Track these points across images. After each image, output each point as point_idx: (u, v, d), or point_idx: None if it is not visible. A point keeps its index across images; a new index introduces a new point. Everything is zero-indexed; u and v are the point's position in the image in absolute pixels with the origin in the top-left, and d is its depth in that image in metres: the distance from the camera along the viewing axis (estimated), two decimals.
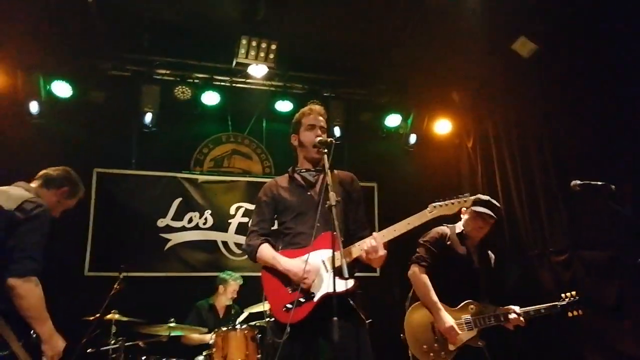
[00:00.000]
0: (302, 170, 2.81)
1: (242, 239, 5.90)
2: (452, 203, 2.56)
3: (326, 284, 2.47)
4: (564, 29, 4.59)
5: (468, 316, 3.25)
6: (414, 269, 3.37)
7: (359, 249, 2.52)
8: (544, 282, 4.79)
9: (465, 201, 2.59)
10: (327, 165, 2.52)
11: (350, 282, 2.36)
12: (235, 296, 5.12)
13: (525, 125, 5.33)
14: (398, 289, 5.57)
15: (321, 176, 2.72)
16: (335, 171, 2.76)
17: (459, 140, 6.56)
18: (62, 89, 5.38)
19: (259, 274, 2.71)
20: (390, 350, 4.94)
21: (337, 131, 6.10)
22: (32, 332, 2.34)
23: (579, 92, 4.54)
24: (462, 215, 3.50)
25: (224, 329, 4.23)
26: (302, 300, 2.48)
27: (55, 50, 5.24)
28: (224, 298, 5.11)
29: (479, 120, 6.19)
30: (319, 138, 2.69)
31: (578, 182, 2.91)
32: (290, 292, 2.53)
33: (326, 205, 2.36)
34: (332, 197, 2.35)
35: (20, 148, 5.05)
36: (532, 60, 4.95)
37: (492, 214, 3.33)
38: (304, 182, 2.77)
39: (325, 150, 2.58)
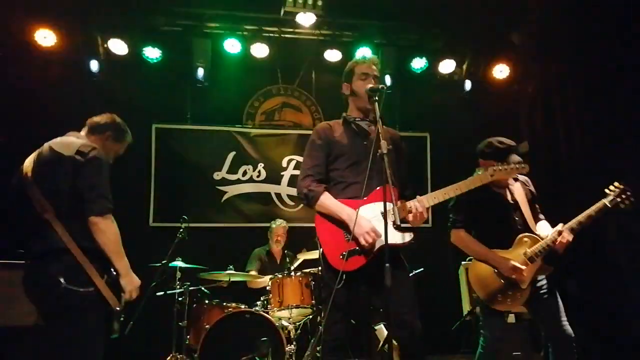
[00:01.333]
0: (357, 119, 2.76)
1: (294, 191, 6.03)
2: (511, 169, 2.68)
3: (383, 237, 2.46)
4: None
5: (526, 249, 3.13)
6: (453, 235, 3.30)
7: (406, 210, 2.51)
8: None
9: (523, 167, 2.72)
10: (378, 113, 2.48)
11: (409, 235, 2.39)
12: (282, 240, 5.33)
13: (595, 73, 4.94)
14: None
15: (373, 127, 2.66)
16: (385, 127, 2.68)
17: (518, 87, 6.23)
18: (118, 46, 5.53)
19: (311, 224, 2.71)
20: (440, 300, 5.06)
21: (388, 79, 5.94)
22: (112, 270, 2.48)
23: None
24: (482, 167, 3.21)
25: (279, 275, 4.40)
26: (358, 249, 2.48)
27: (111, 9, 5.35)
28: (275, 244, 5.33)
29: (542, 65, 5.81)
30: (370, 85, 2.63)
31: None
32: (347, 240, 2.51)
33: (378, 153, 2.33)
34: (384, 145, 2.32)
35: (81, 106, 5.26)
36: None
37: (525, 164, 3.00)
38: (359, 130, 2.73)
39: (376, 98, 2.53)
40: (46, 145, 2.59)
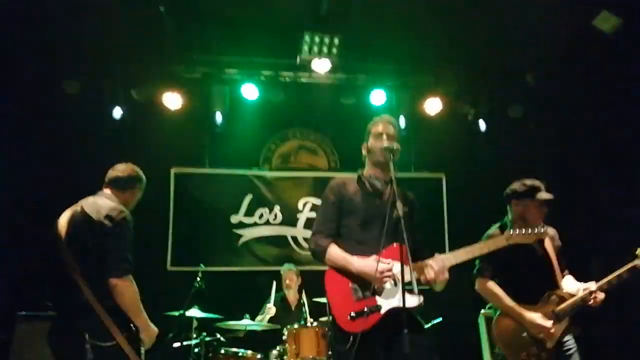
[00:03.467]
0: (372, 177, 2.77)
1: (310, 234, 6.00)
2: (529, 233, 2.63)
3: (394, 297, 2.44)
4: None
5: (554, 307, 3.04)
6: (478, 283, 3.20)
7: (424, 269, 2.47)
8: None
9: (542, 232, 2.65)
10: (393, 173, 2.49)
11: (420, 299, 2.35)
12: (293, 284, 5.21)
13: (609, 110, 4.96)
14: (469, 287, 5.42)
15: (389, 188, 2.67)
16: (400, 189, 2.64)
17: (533, 124, 6.23)
18: (141, 93, 5.72)
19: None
20: (460, 350, 4.88)
21: (402, 121, 6.00)
22: (132, 325, 2.64)
23: None
24: (511, 209, 3.23)
25: (296, 326, 4.33)
26: (367, 310, 2.43)
27: (134, 58, 5.58)
28: (286, 289, 5.23)
29: (555, 103, 5.84)
30: (385, 144, 2.65)
31: None
32: (355, 300, 2.49)
33: (394, 216, 2.33)
34: (400, 207, 2.32)
35: (104, 151, 5.43)
36: (616, 37, 4.58)
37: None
38: (373, 189, 2.73)
39: (391, 156, 2.55)
40: (79, 206, 2.78)
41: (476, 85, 6.19)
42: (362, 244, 2.59)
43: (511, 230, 2.65)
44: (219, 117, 5.84)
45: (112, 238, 2.62)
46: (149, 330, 2.71)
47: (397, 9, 5.12)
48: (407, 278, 2.27)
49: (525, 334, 3.00)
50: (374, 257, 2.48)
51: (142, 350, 2.69)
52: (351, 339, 2.38)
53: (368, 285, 2.50)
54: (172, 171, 6.00)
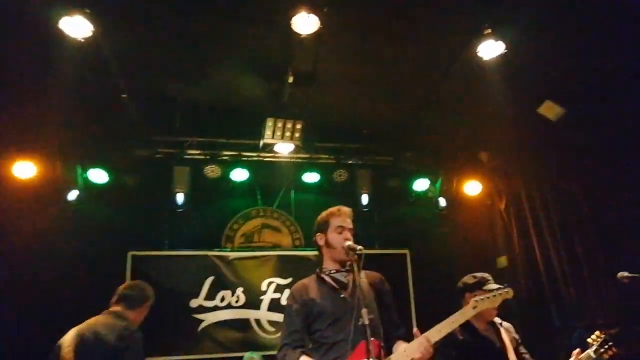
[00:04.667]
0: (332, 271, 2.70)
1: (275, 316, 5.79)
2: (494, 296, 2.62)
3: None
4: (590, 91, 4.58)
5: None
6: None
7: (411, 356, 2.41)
8: None
9: (507, 292, 2.65)
10: (357, 276, 2.41)
11: None
12: None
13: (559, 189, 5.21)
14: None
15: (351, 276, 2.62)
16: (363, 272, 2.63)
17: (491, 201, 6.44)
18: (98, 175, 5.60)
19: None
20: None
21: (364, 198, 6.10)
22: None
23: (613, 156, 4.45)
24: (465, 302, 3.20)
25: None
26: None
27: (91, 139, 5.53)
28: None
29: (509, 181, 6.11)
30: (348, 242, 2.59)
31: (626, 274, 2.86)
32: None
33: (359, 324, 2.27)
34: (365, 314, 2.25)
35: (60, 233, 5.21)
36: (561, 123, 4.91)
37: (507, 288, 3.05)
38: (336, 283, 2.66)
39: (356, 257, 2.48)
40: (89, 327, 2.79)
41: (433, 165, 6.42)
42: (336, 346, 2.49)
43: (477, 298, 2.62)
44: (180, 198, 5.74)
45: (127, 358, 2.67)
46: None
47: (359, 90, 5.37)
48: None
49: None
50: None
51: None
52: None
53: None
54: (129, 254, 5.75)
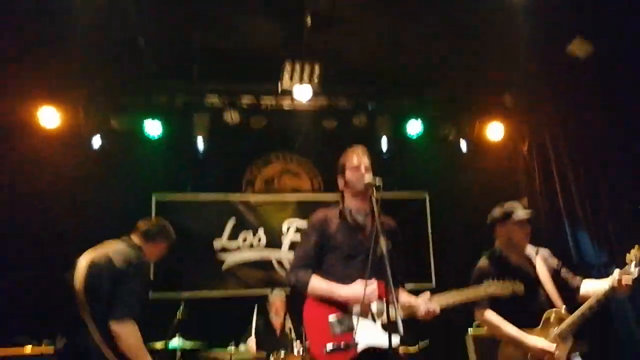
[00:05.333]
0: (352, 211, 2.75)
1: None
2: (505, 287, 2.78)
3: (370, 335, 2.44)
4: (620, 27, 4.36)
5: (555, 328, 3.01)
6: (477, 316, 3.18)
7: (413, 310, 2.54)
8: None
9: (518, 287, 2.79)
10: (376, 210, 2.44)
11: (399, 337, 2.29)
12: (281, 311, 5.07)
13: (585, 132, 5.08)
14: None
15: (370, 220, 2.67)
16: (382, 216, 2.62)
17: (514, 145, 6.34)
18: (121, 122, 5.70)
19: None
20: None
21: (384, 143, 6.08)
22: None
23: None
24: (497, 236, 3.28)
25: (282, 353, 4.25)
26: (344, 345, 2.42)
27: (113, 88, 5.57)
28: (274, 316, 5.10)
29: (533, 124, 5.97)
30: (367, 177, 2.61)
31: None
32: (332, 335, 2.47)
33: (377, 253, 2.29)
34: (383, 244, 2.27)
35: (85, 181, 5.37)
36: (590, 62, 4.72)
37: (529, 212, 3.14)
38: (355, 224, 2.71)
39: (375, 193, 2.51)
40: (103, 250, 2.85)
41: (455, 108, 6.29)
42: (344, 280, 2.57)
43: (490, 281, 2.77)
44: (200, 144, 5.83)
45: (123, 283, 2.69)
46: None
47: (379, 34, 5.22)
48: (391, 316, 2.22)
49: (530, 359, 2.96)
50: (359, 280, 2.48)
51: None
52: None
53: (347, 320, 2.50)
54: (154, 197, 5.93)
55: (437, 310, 2.52)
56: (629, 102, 4.42)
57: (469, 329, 4.54)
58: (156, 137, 5.78)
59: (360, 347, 2.41)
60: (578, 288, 3.16)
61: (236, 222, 6.07)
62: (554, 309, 3.06)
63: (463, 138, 6.30)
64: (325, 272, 2.65)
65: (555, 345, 2.93)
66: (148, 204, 5.86)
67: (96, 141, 5.60)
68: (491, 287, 2.69)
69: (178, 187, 6.08)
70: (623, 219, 4.52)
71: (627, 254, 3.00)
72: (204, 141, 5.83)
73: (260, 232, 6.10)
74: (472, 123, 6.30)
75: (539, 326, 3.03)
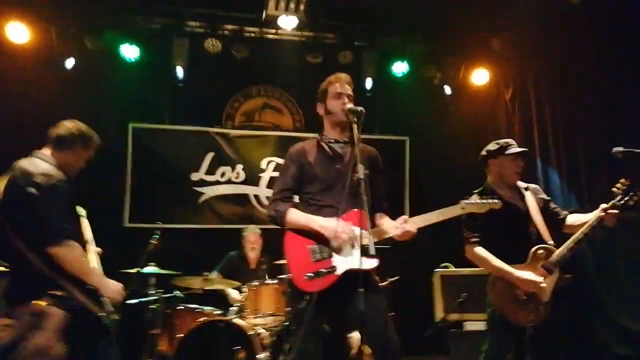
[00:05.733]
0: (331, 141, 2.74)
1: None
2: (484, 203, 2.76)
3: (349, 260, 2.48)
4: None
5: (542, 262, 3.08)
6: (468, 251, 3.23)
7: (388, 232, 2.57)
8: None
9: (495, 203, 2.77)
10: (356, 136, 2.44)
11: (375, 261, 2.36)
12: (257, 246, 5.13)
13: (570, 80, 5.05)
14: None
15: (349, 149, 2.66)
16: (361, 145, 2.61)
17: (497, 91, 6.31)
18: (95, 44, 5.41)
19: None
20: (414, 307, 5.06)
21: (369, 82, 5.97)
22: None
23: (631, 41, 4.24)
24: (489, 171, 3.29)
25: (256, 283, 4.36)
26: (324, 271, 2.49)
27: (88, 6, 5.24)
28: (249, 250, 5.16)
29: (519, 71, 5.91)
30: (348, 105, 2.60)
31: (620, 148, 2.78)
32: (313, 261, 2.53)
33: (354, 178, 2.32)
34: (361, 169, 2.31)
35: (57, 104, 5.13)
36: (581, 6, 4.63)
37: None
38: (333, 153, 2.71)
39: (355, 120, 2.50)
40: (14, 170, 2.59)
41: (442, 50, 6.17)
42: (322, 209, 2.61)
43: (466, 201, 2.74)
44: (179, 72, 5.62)
45: (42, 207, 2.48)
46: (106, 287, 2.63)
47: None
48: (365, 241, 2.28)
49: (519, 293, 3.06)
50: (335, 218, 2.52)
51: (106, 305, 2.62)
52: (308, 297, 2.44)
53: (326, 248, 2.55)
54: (130, 125, 5.78)
55: (414, 230, 2.54)
56: (620, 50, 4.37)
57: (435, 270, 4.75)
58: (133, 60, 5.53)
59: (339, 271, 2.49)
60: (564, 220, 3.24)
61: (214, 156, 5.99)
62: (542, 245, 3.13)
63: (448, 82, 6.22)
64: (305, 202, 2.69)
65: (542, 278, 3.03)
66: (124, 131, 5.72)
67: (69, 63, 5.33)
68: (468, 206, 2.71)
69: (155, 116, 5.91)
70: (597, 167, 4.61)
71: (614, 187, 3.06)
72: (183, 70, 5.61)
73: (239, 167, 6.06)
74: (458, 66, 6.21)
75: (527, 261, 3.11)
